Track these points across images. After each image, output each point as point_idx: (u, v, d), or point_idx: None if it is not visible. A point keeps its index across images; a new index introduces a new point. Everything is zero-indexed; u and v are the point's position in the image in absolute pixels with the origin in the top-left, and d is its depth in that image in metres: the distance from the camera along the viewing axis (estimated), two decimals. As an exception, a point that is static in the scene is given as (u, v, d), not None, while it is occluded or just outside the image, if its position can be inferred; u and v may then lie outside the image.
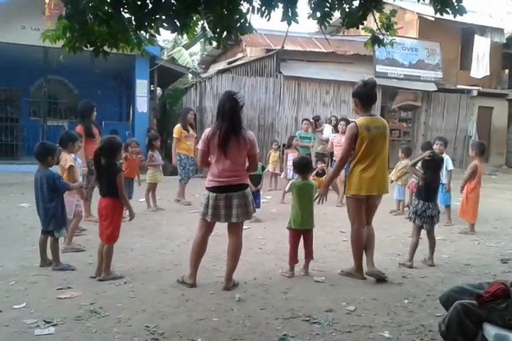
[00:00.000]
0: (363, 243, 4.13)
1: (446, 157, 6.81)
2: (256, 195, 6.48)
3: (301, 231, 4.25)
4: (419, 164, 4.79)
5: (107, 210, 3.94)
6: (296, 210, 4.20)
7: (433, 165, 4.61)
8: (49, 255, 4.23)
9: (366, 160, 3.99)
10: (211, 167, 3.74)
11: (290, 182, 4.45)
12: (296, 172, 4.45)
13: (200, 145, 3.74)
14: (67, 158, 4.84)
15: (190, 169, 8.02)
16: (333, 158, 8.21)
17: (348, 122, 8.65)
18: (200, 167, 4.02)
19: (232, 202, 3.65)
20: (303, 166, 4.39)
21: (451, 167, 6.81)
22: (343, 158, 4.09)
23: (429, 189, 4.62)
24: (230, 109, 3.65)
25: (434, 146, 6.81)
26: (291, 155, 8.53)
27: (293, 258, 4.21)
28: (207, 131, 3.73)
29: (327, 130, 10.30)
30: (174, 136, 7.81)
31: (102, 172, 4.00)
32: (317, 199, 4.23)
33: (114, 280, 3.88)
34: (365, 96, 4.06)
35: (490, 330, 2.23)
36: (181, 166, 7.82)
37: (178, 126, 7.90)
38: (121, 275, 3.98)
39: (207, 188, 3.73)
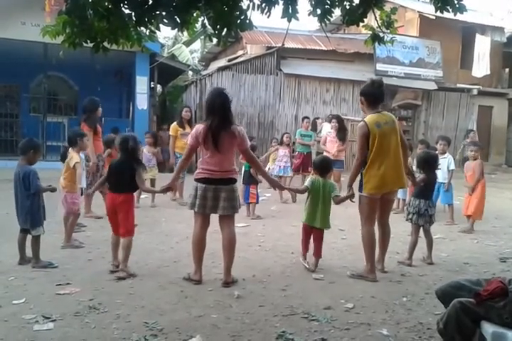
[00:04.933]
0: (375, 243, 4.08)
1: (448, 156, 6.75)
2: (246, 189, 6.58)
3: (311, 228, 4.29)
4: (415, 167, 4.79)
5: (127, 205, 3.92)
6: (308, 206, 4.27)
7: (431, 165, 4.63)
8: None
9: (381, 157, 3.92)
10: (202, 160, 3.76)
11: (309, 179, 4.43)
12: (316, 173, 4.38)
13: (189, 140, 3.81)
14: (73, 156, 4.82)
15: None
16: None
17: (339, 119, 8.68)
18: (184, 160, 4.05)
19: (220, 194, 3.70)
20: (324, 167, 4.37)
21: (452, 167, 6.71)
22: (360, 157, 3.99)
23: (429, 188, 4.63)
24: (221, 104, 3.69)
25: (438, 146, 6.73)
26: (282, 151, 8.58)
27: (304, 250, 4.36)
28: (199, 127, 3.75)
29: (325, 128, 10.27)
30: (170, 133, 7.78)
31: (120, 169, 3.94)
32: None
33: (129, 277, 3.87)
34: (371, 95, 4.06)
35: (488, 328, 2.24)
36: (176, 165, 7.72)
37: (174, 124, 7.86)
38: (134, 273, 3.94)
39: (196, 179, 3.77)
